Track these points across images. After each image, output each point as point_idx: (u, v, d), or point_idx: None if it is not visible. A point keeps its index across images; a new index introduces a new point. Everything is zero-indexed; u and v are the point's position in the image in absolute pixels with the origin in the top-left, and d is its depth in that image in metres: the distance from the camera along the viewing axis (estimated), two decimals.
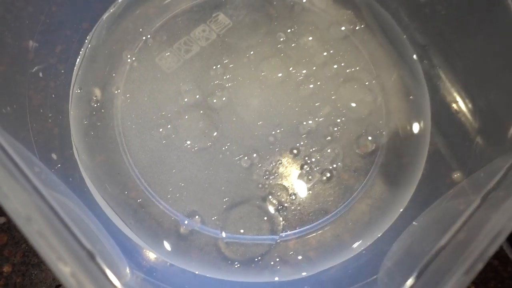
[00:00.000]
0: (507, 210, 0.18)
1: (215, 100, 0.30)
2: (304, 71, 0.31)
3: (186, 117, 0.30)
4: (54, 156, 0.26)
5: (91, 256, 0.18)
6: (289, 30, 0.32)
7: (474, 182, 0.24)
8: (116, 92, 0.31)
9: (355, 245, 0.28)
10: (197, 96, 0.30)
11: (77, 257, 0.17)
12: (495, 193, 0.20)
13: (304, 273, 0.27)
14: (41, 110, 0.27)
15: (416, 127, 0.31)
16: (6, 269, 0.27)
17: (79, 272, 0.16)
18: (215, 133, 0.30)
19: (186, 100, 0.30)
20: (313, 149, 0.30)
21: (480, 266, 0.16)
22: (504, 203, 0.18)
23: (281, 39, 0.32)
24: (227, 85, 0.31)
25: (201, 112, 0.30)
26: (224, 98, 0.30)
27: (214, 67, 0.31)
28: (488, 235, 0.17)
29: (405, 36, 0.33)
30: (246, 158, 0.29)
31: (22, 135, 0.24)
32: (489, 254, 0.17)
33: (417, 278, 0.18)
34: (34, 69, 0.29)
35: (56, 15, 0.31)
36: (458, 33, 0.29)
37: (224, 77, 0.31)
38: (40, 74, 0.28)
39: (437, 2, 0.30)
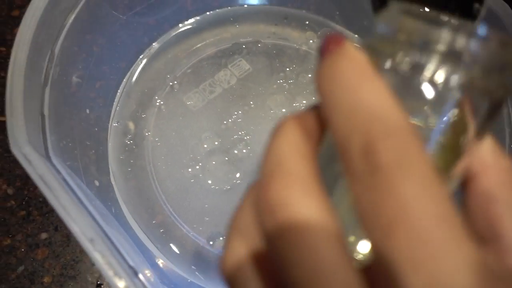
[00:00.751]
0: None
1: (238, 146, 0.34)
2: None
3: (212, 161, 0.34)
4: (96, 182, 0.30)
5: (135, 273, 0.22)
6: (298, 74, 0.37)
7: None
8: (147, 128, 0.35)
9: None
10: (219, 141, 0.34)
11: (126, 273, 0.21)
12: None
13: None
14: (87, 143, 0.31)
15: None
16: (47, 279, 0.31)
17: (130, 286, 0.20)
18: (237, 175, 0.33)
19: (206, 145, 0.34)
20: None
21: None
22: None
23: (290, 81, 0.36)
24: (246, 129, 0.35)
25: (225, 158, 0.34)
26: (244, 145, 0.34)
27: (235, 111, 0.35)
28: None
29: None
30: None
31: (74, 164, 0.28)
32: None
33: None
34: (77, 102, 0.33)
35: (97, 54, 0.35)
36: None
37: (243, 121, 0.35)
38: (87, 111, 0.32)
39: None
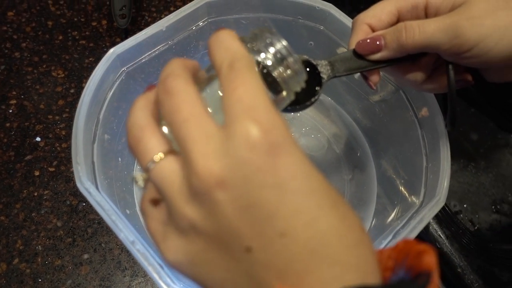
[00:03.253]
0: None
1: None
2: None
3: None
4: (127, 211, 0.40)
5: (161, 266, 0.32)
6: None
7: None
8: None
9: None
10: None
11: (157, 265, 0.30)
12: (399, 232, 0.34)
13: None
14: (120, 182, 0.41)
15: (366, 191, 0.45)
16: None
17: (160, 273, 0.30)
18: None
19: None
20: None
21: None
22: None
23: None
24: None
25: None
26: None
27: None
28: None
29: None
30: None
31: (112, 198, 0.38)
32: None
33: None
34: (110, 153, 0.44)
35: (120, 117, 0.46)
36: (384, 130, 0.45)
37: None
38: (119, 160, 0.43)
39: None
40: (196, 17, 0.43)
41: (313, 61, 0.30)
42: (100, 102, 0.38)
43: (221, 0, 0.43)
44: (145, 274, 0.41)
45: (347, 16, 0.42)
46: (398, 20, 0.31)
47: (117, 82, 0.40)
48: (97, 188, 0.34)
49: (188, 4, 0.41)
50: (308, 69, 0.30)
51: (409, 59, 0.31)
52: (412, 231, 0.34)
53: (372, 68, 0.32)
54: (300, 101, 0.29)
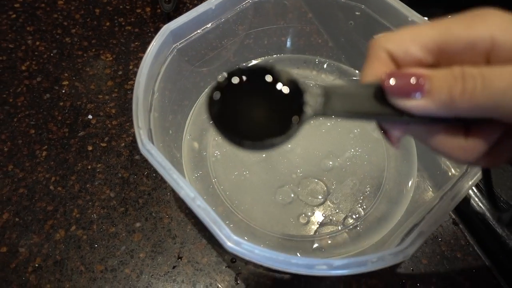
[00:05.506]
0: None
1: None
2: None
3: (256, 167, 0.46)
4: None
5: (216, 222, 0.34)
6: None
7: (438, 193, 0.39)
8: (207, 146, 0.48)
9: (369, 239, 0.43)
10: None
11: (214, 221, 0.32)
12: (447, 194, 0.35)
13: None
14: (170, 153, 0.44)
15: (406, 165, 0.46)
16: (142, 255, 0.43)
17: (221, 226, 0.31)
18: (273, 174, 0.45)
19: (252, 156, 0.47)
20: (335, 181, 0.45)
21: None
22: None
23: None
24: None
25: (269, 166, 0.47)
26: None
27: None
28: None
29: None
30: (288, 189, 0.45)
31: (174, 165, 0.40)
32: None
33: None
34: (160, 127, 0.46)
35: (167, 96, 0.49)
36: None
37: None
38: (170, 132, 0.45)
39: None
40: None
41: (300, 85, 0.22)
42: (154, 75, 0.41)
43: None
44: (194, 241, 0.43)
45: None
46: (436, 61, 0.21)
47: (169, 58, 0.42)
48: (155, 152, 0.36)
49: None
50: (287, 92, 0.22)
51: (460, 120, 0.21)
52: (456, 195, 0.35)
53: (393, 119, 0.22)
54: (263, 134, 0.21)
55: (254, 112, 0.22)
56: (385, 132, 0.24)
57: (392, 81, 0.20)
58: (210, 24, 0.45)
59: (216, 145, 0.48)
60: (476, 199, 0.45)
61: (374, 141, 0.49)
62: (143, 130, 0.35)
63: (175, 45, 0.43)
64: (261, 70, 0.22)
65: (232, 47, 0.52)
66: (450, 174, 0.42)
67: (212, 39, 0.48)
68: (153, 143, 0.37)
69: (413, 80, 0.20)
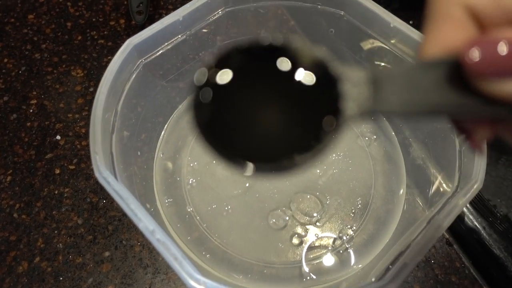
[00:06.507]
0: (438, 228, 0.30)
1: None
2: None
3: (234, 190, 0.43)
4: (148, 205, 0.39)
5: (177, 259, 0.31)
6: None
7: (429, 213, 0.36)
8: (182, 166, 0.45)
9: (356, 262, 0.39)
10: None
11: (178, 255, 0.29)
12: (435, 218, 0.32)
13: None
14: (140, 176, 0.41)
15: (394, 182, 0.43)
16: None
17: (181, 260, 0.28)
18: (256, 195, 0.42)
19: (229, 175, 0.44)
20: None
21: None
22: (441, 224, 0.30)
23: None
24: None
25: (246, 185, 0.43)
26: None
27: None
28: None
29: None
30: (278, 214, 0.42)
31: (132, 191, 0.37)
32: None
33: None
34: (129, 149, 0.43)
35: (141, 114, 0.46)
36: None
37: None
38: (138, 153, 0.42)
39: None
40: (213, 6, 0.42)
41: (331, 69, 0.15)
42: (118, 93, 0.38)
43: None
44: (167, 271, 0.40)
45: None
46: None
47: (135, 74, 0.39)
48: (115, 178, 0.33)
49: None
50: (313, 82, 0.15)
51: None
52: (447, 216, 0.31)
53: (478, 113, 0.15)
54: (280, 151, 0.15)
55: (265, 117, 0.15)
56: (466, 134, 0.17)
57: (476, 54, 0.13)
58: (180, 35, 0.42)
59: (192, 171, 0.45)
60: (471, 216, 0.41)
61: (358, 153, 0.46)
62: (100, 155, 0.32)
63: (140, 60, 0.40)
64: (269, 51, 0.15)
65: (208, 58, 0.49)
66: (442, 190, 0.39)
67: (186, 51, 0.45)
68: (114, 168, 0.34)
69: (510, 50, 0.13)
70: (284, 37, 0.15)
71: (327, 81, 0.15)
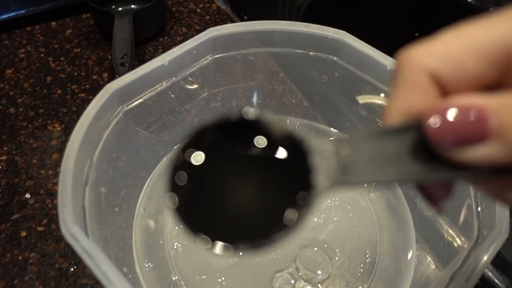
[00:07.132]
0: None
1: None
2: None
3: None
4: (124, 269, 0.34)
5: None
6: None
7: (448, 271, 0.31)
8: (165, 225, 0.40)
9: None
10: None
11: None
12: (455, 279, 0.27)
13: None
14: (117, 236, 0.36)
15: (402, 237, 0.39)
16: None
17: None
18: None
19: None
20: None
21: None
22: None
23: None
24: None
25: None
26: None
27: None
28: None
29: None
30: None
31: (106, 252, 0.32)
32: None
33: None
34: (106, 206, 0.38)
35: (121, 169, 0.42)
36: None
37: None
38: (116, 209, 0.37)
39: None
40: (200, 52, 0.40)
41: (302, 142, 0.15)
42: (94, 141, 0.34)
43: (226, 35, 0.40)
44: None
45: (363, 42, 0.39)
46: (503, 77, 0.14)
47: (114, 121, 0.36)
48: (86, 236, 0.29)
49: (192, 38, 0.39)
50: (284, 156, 0.15)
51: None
52: (470, 275, 0.27)
53: (445, 179, 0.15)
54: (256, 230, 0.15)
55: (238, 197, 0.16)
56: (429, 197, 0.17)
57: (437, 122, 0.13)
58: (165, 82, 0.39)
59: (177, 234, 0.40)
60: (490, 274, 0.37)
61: (360, 207, 0.42)
62: (68, 208, 0.27)
63: (121, 107, 0.37)
64: (242, 127, 0.16)
65: (194, 110, 0.46)
66: (456, 245, 0.35)
67: (170, 100, 0.42)
68: (85, 224, 0.30)
69: (473, 116, 0.13)
70: (255, 112, 0.16)
71: (298, 156, 0.15)
